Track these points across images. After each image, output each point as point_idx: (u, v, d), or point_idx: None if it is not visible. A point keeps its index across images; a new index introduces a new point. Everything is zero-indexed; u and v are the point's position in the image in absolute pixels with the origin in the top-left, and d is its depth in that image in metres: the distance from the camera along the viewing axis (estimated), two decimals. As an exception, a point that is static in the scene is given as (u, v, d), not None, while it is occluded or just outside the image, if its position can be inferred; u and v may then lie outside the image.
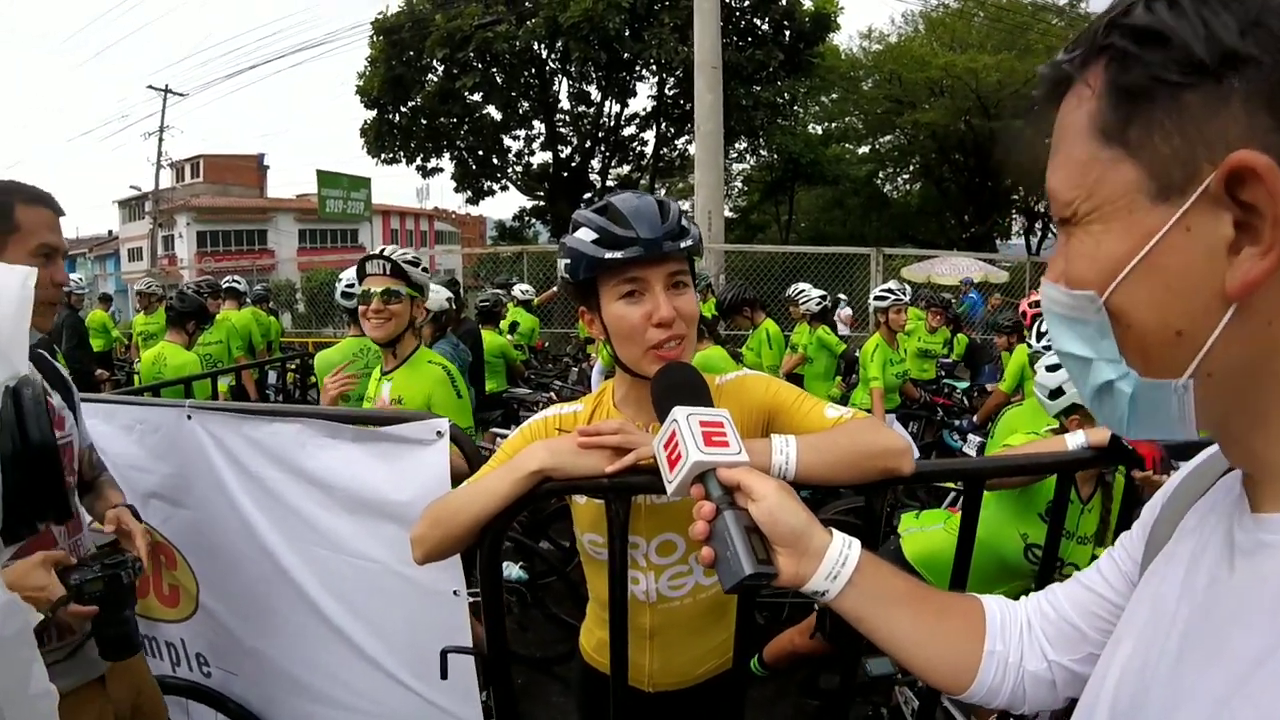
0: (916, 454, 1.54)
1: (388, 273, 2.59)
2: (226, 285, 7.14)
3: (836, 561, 0.87)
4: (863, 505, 1.41)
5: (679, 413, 1.00)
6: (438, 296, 4.68)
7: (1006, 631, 0.87)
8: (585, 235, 1.29)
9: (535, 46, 18.72)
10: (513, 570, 3.64)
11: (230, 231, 33.60)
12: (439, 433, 1.73)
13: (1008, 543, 2.35)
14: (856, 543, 0.89)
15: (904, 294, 5.48)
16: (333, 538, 1.94)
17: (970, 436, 5.08)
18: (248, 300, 7.54)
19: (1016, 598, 0.92)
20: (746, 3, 18.50)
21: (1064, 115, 0.59)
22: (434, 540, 1.33)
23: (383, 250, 2.63)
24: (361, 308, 2.59)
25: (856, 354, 5.86)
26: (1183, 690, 0.56)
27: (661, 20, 17.47)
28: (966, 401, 6.46)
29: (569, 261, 1.31)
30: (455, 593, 1.80)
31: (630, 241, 1.25)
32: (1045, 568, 1.63)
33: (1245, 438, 0.57)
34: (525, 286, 8.81)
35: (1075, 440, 1.74)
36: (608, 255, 1.26)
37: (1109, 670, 0.67)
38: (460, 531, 1.29)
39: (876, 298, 5.43)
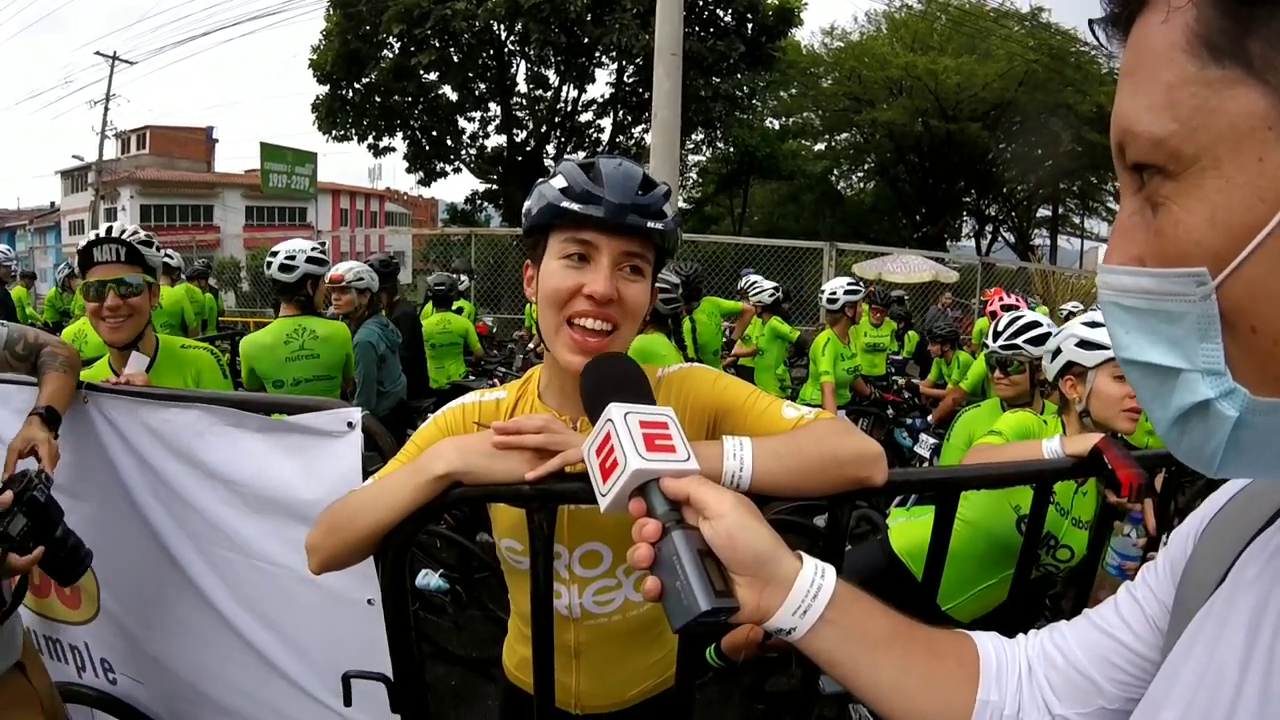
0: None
1: (121, 259, 2.19)
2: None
3: (807, 593, 0.72)
4: (803, 505, 1.27)
5: (615, 411, 0.83)
6: (366, 277, 4.51)
7: (1003, 678, 0.73)
8: (556, 181, 1.14)
9: (494, 27, 18.32)
10: (431, 579, 3.46)
11: (175, 206, 32.57)
12: (350, 423, 1.57)
13: (1000, 519, 2.20)
14: (831, 570, 0.74)
15: (860, 289, 5.43)
16: (238, 539, 1.77)
17: (923, 436, 5.01)
18: (182, 276, 7.19)
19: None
20: (710, -8, 18.42)
21: (1143, 38, 0.44)
22: (328, 549, 1.15)
23: (110, 230, 2.23)
24: (91, 305, 2.18)
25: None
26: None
27: (624, 5, 17.22)
28: (916, 399, 6.43)
29: (530, 203, 1.17)
30: (370, 601, 1.63)
31: (594, 199, 1.10)
32: (1021, 570, 1.51)
33: None
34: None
35: (1051, 447, 1.64)
36: (564, 204, 1.10)
37: None
38: (356, 541, 1.11)
39: (847, 291, 5.30)
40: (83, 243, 2.21)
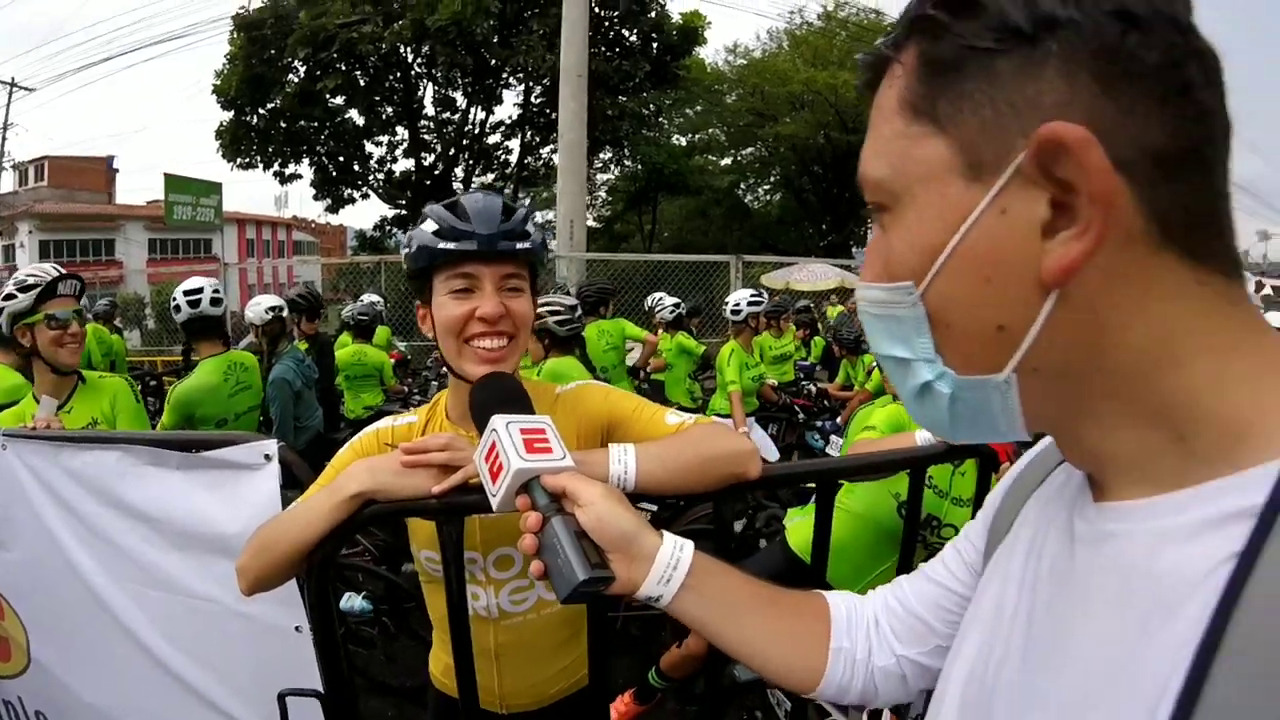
0: (775, 455, 1.58)
1: (77, 293, 2.56)
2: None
3: (668, 565, 0.84)
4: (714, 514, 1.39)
5: (497, 421, 0.95)
6: (257, 309, 4.54)
7: (853, 628, 0.86)
8: (428, 226, 1.26)
9: (401, 49, 18.14)
10: (355, 601, 3.46)
11: (76, 241, 30.97)
12: (267, 455, 1.62)
13: (883, 507, 2.34)
14: (689, 545, 0.87)
15: (764, 300, 5.71)
16: (163, 576, 1.79)
17: (833, 438, 5.25)
18: (88, 316, 6.93)
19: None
20: (615, 14, 18.60)
21: (878, 98, 0.55)
22: (255, 570, 1.23)
23: (60, 270, 2.56)
24: (54, 334, 2.45)
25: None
26: (1033, 692, 0.54)
27: (531, 28, 17.28)
28: (826, 402, 6.69)
29: (409, 250, 1.28)
30: (297, 628, 1.68)
31: (466, 235, 1.22)
32: (905, 554, 1.60)
33: (1079, 434, 0.54)
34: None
35: (924, 435, 1.80)
36: (441, 245, 1.23)
37: (955, 664, 0.66)
38: (281, 561, 1.20)
39: (750, 302, 5.56)
40: (35, 279, 2.47)
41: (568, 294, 5.30)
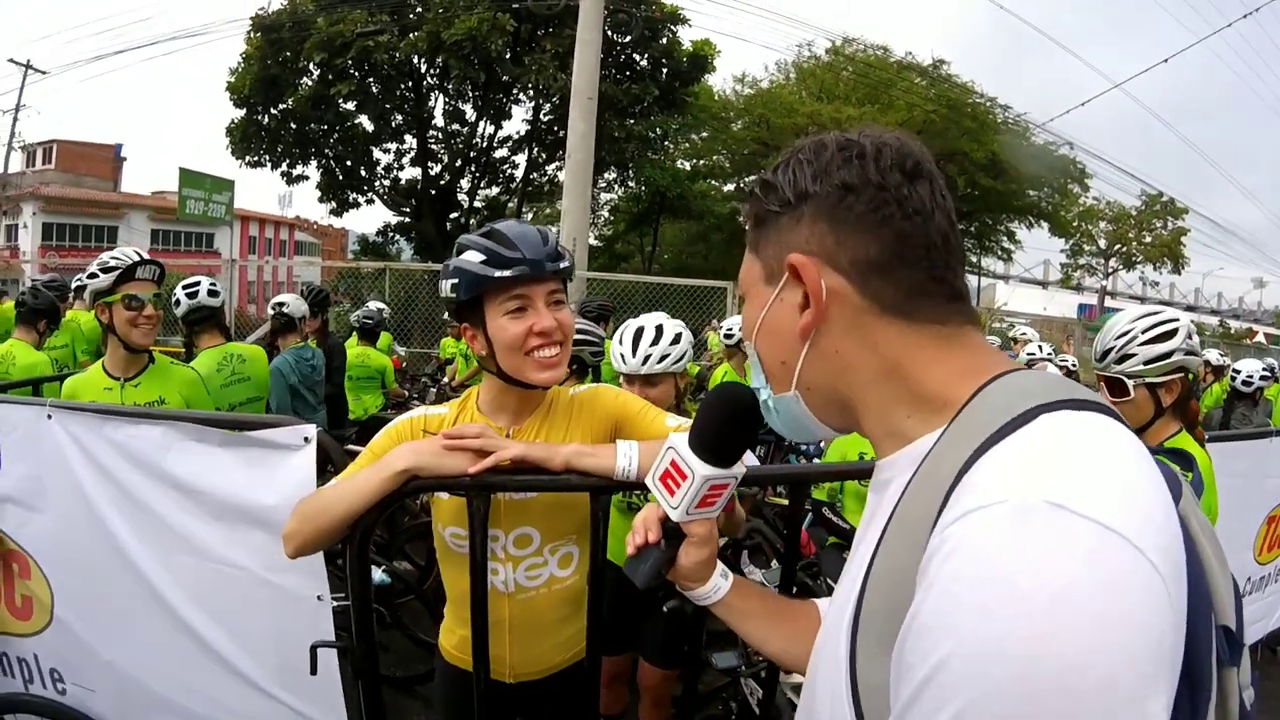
0: (754, 461, 1.77)
1: (155, 278, 2.75)
2: (76, 284, 6.63)
3: (714, 588, 1.12)
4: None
5: (699, 470, 1.02)
6: (298, 304, 4.72)
7: None
8: (473, 256, 1.43)
9: (415, 60, 18.37)
10: (376, 573, 3.62)
11: (79, 226, 30.93)
12: (306, 438, 1.78)
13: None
14: (732, 575, 1.14)
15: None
16: (198, 544, 1.93)
17: (815, 461, 5.44)
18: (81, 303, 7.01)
19: None
20: (628, 38, 18.86)
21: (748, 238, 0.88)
22: (305, 535, 1.41)
23: (144, 257, 2.76)
24: (130, 314, 2.66)
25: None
26: (841, 589, 0.81)
27: (544, 47, 17.48)
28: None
29: (456, 281, 1.44)
30: (319, 598, 1.85)
31: (517, 262, 1.41)
32: None
33: (860, 422, 0.81)
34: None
35: None
36: (497, 274, 1.41)
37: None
38: (331, 527, 1.39)
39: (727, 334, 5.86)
40: (118, 261, 2.70)
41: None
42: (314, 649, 1.62)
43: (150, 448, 1.94)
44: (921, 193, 0.75)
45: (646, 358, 2.57)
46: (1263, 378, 5.79)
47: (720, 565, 1.14)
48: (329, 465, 1.80)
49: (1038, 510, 0.54)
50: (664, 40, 19.21)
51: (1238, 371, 5.72)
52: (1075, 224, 32.08)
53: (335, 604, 1.88)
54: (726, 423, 1.02)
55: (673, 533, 1.06)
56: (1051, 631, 0.50)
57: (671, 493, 1.03)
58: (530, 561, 1.60)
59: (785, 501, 4.16)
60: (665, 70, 19.68)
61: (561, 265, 1.47)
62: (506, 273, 1.41)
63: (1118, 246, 34.13)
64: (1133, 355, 2.21)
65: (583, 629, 1.63)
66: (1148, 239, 33.64)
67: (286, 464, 1.80)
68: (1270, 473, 3.28)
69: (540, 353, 1.45)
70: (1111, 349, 2.25)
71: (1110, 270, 35.29)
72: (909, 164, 0.75)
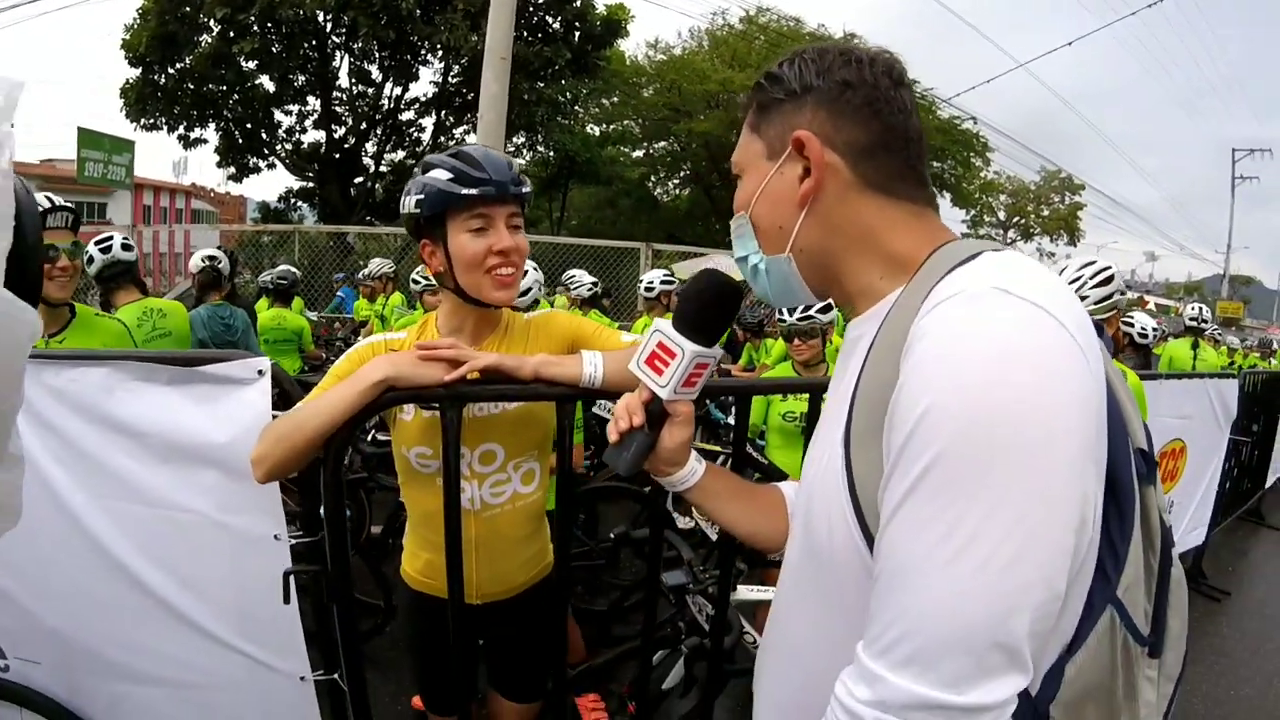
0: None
1: (69, 225, 2.58)
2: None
3: (691, 470, 1.21)
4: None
5: (688, 347, 1.09)
6: (195, 259, 4.63)
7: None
8: (440, 174, 1.49)
9: (320, 17, 17.53)
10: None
11: (-39, 199, 28.34)
12: (260, 371, 1.73)
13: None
14: (705, 462, 1.22)
15: (675, 281, 6.29)
16: (146, 491, 1.83)
17: (733, 410, 5.66)
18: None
19: None
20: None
21: (745, 121, 1.00)
22: (276, 456, 1.42)
23: (51, 199, 2.57)
24: (44, 267, 2.46)
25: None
26: (822, 434, 0.94)
27: (455, 5, 16.93)
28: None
29: (421, 197, 1.49)
30: (276, 536, 1.79)
31: (483, 182, 1.47)
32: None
33: (840, 284, 0.94)
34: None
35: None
36: (463, 191, 1.47)
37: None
38: (305, 444, 1.41)
39: (663, 281, 6.26)
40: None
41: None
42: (286, 575, 1.64)
43: (92, 390, 1.82)
44: (905, 96, 0.91)
45: None
46: (1154, 331, 6.24)
47: (694, 451, 1.23)
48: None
49: (987, 294, 0.72)
50: (578, 3, 18.96)
51: (1132, 323, 6.10)
52: (977, 196, 33.67)
53: (294, 541, 1.82)
54: (709, 305, 1.11)
55: (655, 416, 1.15)
56: (1003, 377, 0.67)
57: (660, 373, 1.10)
58: (495, 478, 1.66)
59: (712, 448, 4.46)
60: (578, 33, 19.46)
61: (524, 190, 1.54)
62: (473, 191, 1.47)
63: (1017, 219, 36.05)
64: (1086, 297, 2.71)
65: (545, 547, 1.71)
66: (1045, 213, 35.70)
67: (239, 399, 1.74)
68: (1159, 412, 4.03)
69: (499, 271, 1.52)
70: None
71: (1009, 241, 37.07)
72: (895, 72, 0.91)
